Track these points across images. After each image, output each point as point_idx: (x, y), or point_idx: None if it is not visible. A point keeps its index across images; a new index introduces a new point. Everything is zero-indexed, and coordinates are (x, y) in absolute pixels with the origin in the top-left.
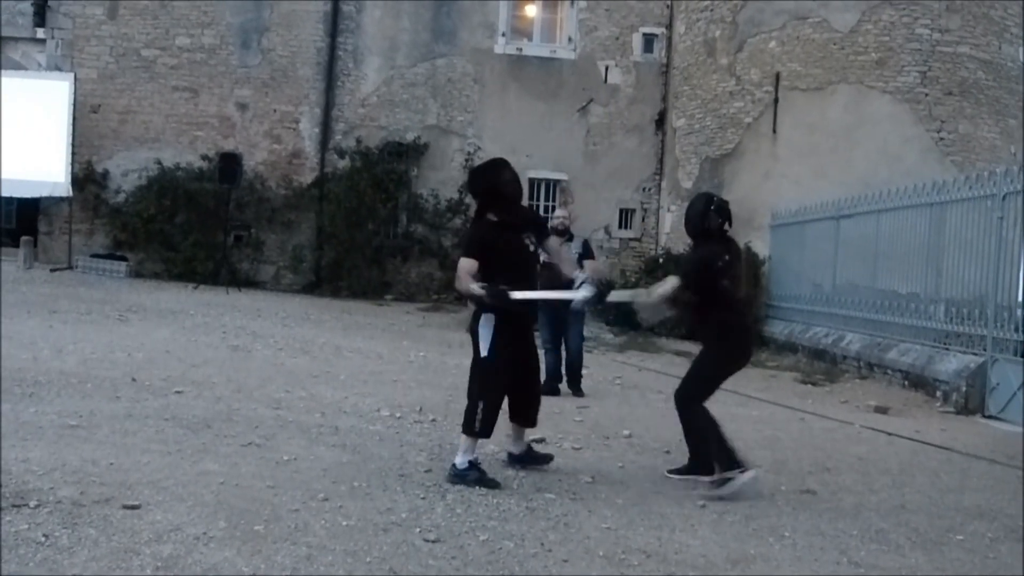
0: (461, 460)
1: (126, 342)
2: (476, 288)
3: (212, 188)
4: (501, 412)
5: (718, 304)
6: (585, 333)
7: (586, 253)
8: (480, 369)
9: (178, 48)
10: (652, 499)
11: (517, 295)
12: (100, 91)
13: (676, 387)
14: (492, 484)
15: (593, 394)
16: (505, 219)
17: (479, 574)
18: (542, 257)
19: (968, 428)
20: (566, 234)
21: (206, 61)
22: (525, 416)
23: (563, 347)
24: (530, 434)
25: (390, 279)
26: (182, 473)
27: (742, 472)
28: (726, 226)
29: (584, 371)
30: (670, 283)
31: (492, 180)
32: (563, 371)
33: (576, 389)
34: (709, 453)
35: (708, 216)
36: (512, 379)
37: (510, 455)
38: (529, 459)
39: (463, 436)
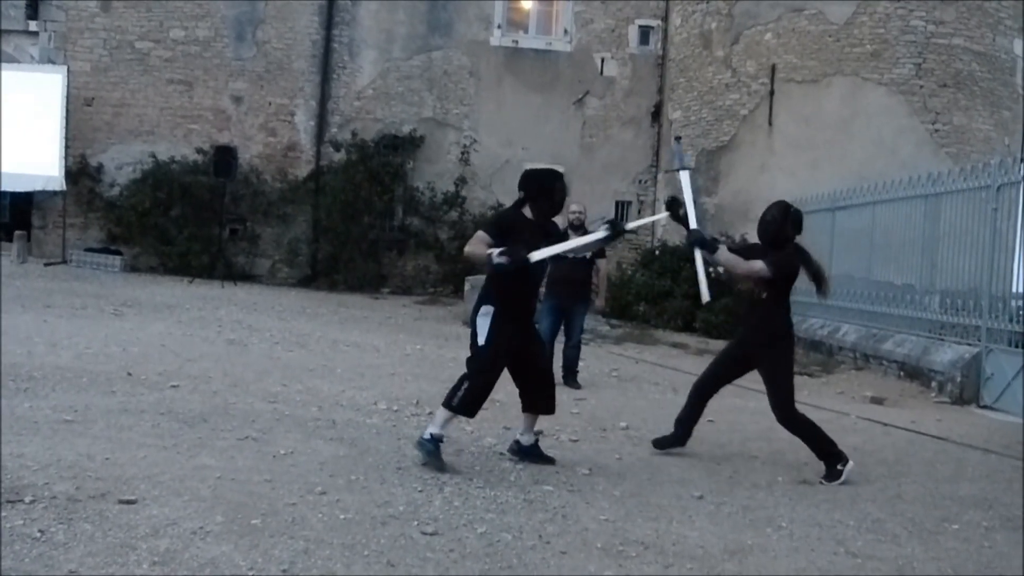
0: (427, 430)
1: (121, 336)
2: (493, 252)
3: (207, 181)
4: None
5: (783, 308)
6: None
7: (599, 251)
8: (475, 354)
9: (172, 41)
10: (649, 491)
11: (536, 255)
12: (94, 84)
13: (774, 409)
14: (438, 467)
15: (590, 386)
16: (536, 222)
17: (477, 567)
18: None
19: (963, 418)
20: (581, 229)
21: (200, 54)
22: (539, 404)
23: (566, 339)
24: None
25: (386, 272)
26: (178, 467)
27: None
28: (798, 236)
29: (580, 363)
30: (755, 264)
31: (548, 186)
32: (553, 364)
33: (572, 382)
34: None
35: (785, 225)
36: (520, 370)
37: (518, 444)
38: (534, 454)
39: (440, 408)
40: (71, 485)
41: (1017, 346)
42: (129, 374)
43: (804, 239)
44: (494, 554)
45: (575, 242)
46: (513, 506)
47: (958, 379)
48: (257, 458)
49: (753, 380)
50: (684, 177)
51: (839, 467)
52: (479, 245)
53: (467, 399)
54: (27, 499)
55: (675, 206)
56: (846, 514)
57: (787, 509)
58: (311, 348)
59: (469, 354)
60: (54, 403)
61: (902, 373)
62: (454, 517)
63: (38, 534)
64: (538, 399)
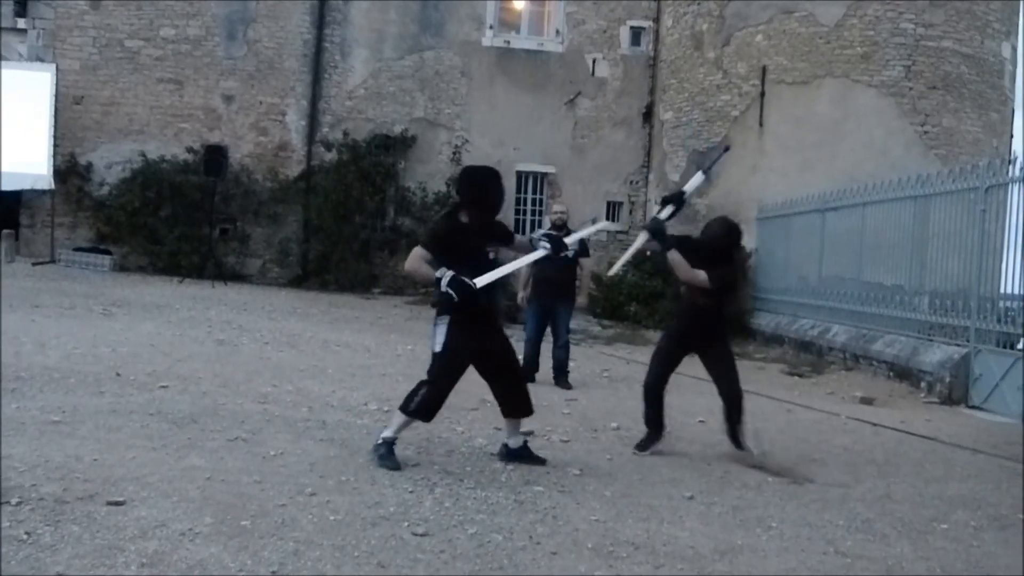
0: (382, 434)
1: (110, 337)
2: (443, 277)
3: (197, 181)
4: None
5: (721, 316)
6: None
7: (582, 251)
8: (433, 361)
9: (162, 39)
10: (640, 491)
11: (480, 281)
12: (83, 82)
13: (730, 388)
14: (391, 466)
15: (581, 387)
16: (475, 226)
17: (468, 567)
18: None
19: (952, 418)
20: (564, 229)
21: (191, 52)
22: (516, 406)
23: (554, 340)
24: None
25: (377, 272)
26: (167, 469)
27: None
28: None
29: (571, 364)
30: (699, 273)
31: (482, 187)
32: (539, 363)
33: (563, 383)
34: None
35: (725, 241)
36: (487, 373)
37: (506, 448)
38: (524, 456)
39: (397, 412)
40: (59, 487)
41: (1005, 347)
42: (118, 374)
43: (795, 241)
44: (485, 555)
45: (515, 264)
46: (504, 507)
47: (947, 379)
48: (247, 459)
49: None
50: (697, 179)
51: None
52: (420, 264)
53: (424, 404)
54: (14, 501)
55: (664, 203)
56: (836, 514)
57: (777, 509)
58: (302, 348)
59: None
60: (42, 404)
61: (891, 373)
62: (445, 518)
63: (25, 536)
64: (510, 401)
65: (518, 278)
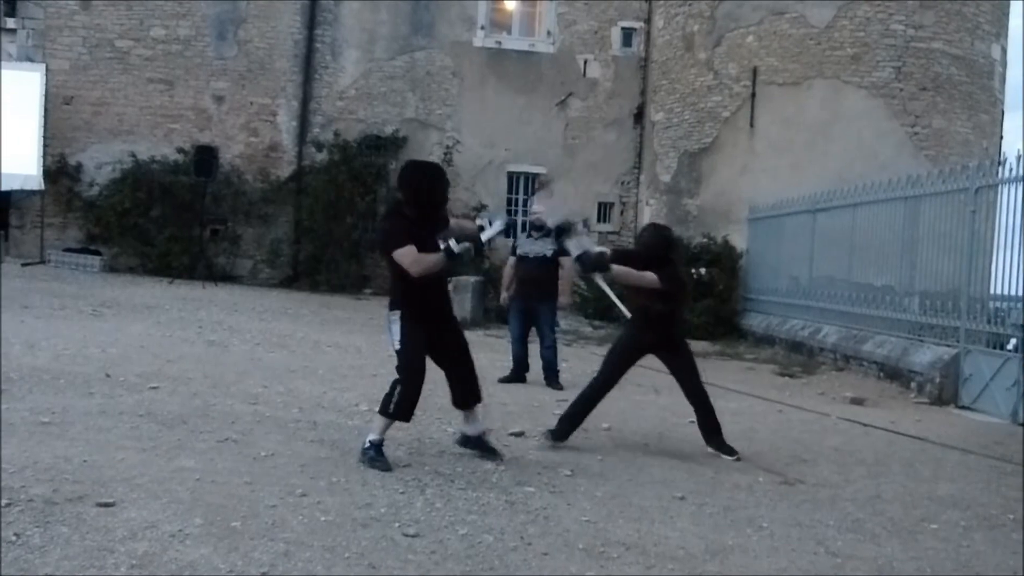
0: (368, 438)
1: (100, 337)
2: (450, 244)
3: (188, 181)
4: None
5: (678, 319)
6: (564, 326)
7: (562, 250)
8: (397, 358)
9: (153, 39)
10: (631, 492)
11: (457, 248)
12: (73, 82)
13: (694, 388)
14: (383, 467)
15: (572, 387)
16: (420, 221)
17: (459, 568)
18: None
19: (942, 419)
20: (543, 229)
21: (182, 53)
22: (465, 395)
23: (540, 341)
24: (511, 427)
25: (369, 273)
26: (157, 470)
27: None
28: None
29: (563, 364)
30: (647, 276)
31: (427, 182)
32: (528, 363)
33: (554, 383)
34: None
35: (658, 246)
36: (440, 363)
37: (463, 435)
38: (480, 444)
39: (377, 416)
40: (48, 488)
41: (995, 347)
42: (108, 375)
43: (786, 241)
44: (476, 556)
45: (489, 232)
46: (495, 508)
47: (937, 380)
48: (237, 460)
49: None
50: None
51: (727, 446)
52: (423, 258)
53: (401, 403)
54: (3, 502)
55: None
56: (826, 514)
57: (768, 509)
58: (292, 349)
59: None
60: (31, 405)
61: (882, 374)
62: (436, 519)
63: (14, 538)
64: (458, 391)
65: (501, 279)
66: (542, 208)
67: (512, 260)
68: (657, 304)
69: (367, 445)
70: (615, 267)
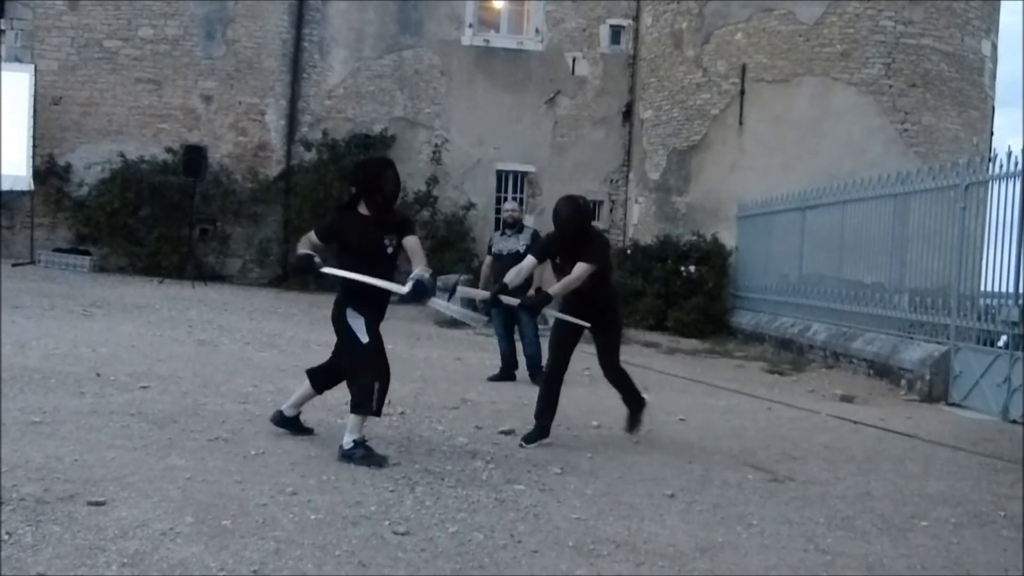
0: (348, 440)
1: (90, 337)
2: (301, 252)
3: (177, 181)
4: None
5: (610, 292)
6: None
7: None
8: (365, 354)
9: (141, 39)
10: (621, 489)
11: (328, 270)
12: (61, 83)
13: (607, 366)
14: (379, 462)
15: (562, 386)
16: (374, 215)
17: (449, 566)
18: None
19: (932, 416)
20: (516, 226)
21: (170, 52)
22: (325, 386)
23: (522, 339)
24: (500, 426)
25: None
26: (148, 469)
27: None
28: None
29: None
30: (579, 270)
31: (375, 177)
32: (517, 360)
33: (538, 379)
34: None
35: (578, 218)
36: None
37: (279, 413)
38: (294, 426)
39: (352, 416)
40: (39, 487)
41: (985, 344)
42: (98, 375)
43: (775, 239)
44: (465, 553)
45: (377, 282)
46: (485, 505)
47: (927, 377)
48: (227, 459)
49: (725, 378)
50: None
51: (641, 418)
52: (303, 243)
53: (377, 398)
54: None
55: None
56: (816, 511)
57: (757, 507)
58: (282, 348)
59: (346, 350)
60: (22, 404)
61: (872, 371)
62: (426, 517)
63: (6, 536)
64: (330, 381)
65: (484, 276)
66: (514, 206)
67: (489, 259)
68: (589, 283)
69: (351, 446)
70: (554, 289)
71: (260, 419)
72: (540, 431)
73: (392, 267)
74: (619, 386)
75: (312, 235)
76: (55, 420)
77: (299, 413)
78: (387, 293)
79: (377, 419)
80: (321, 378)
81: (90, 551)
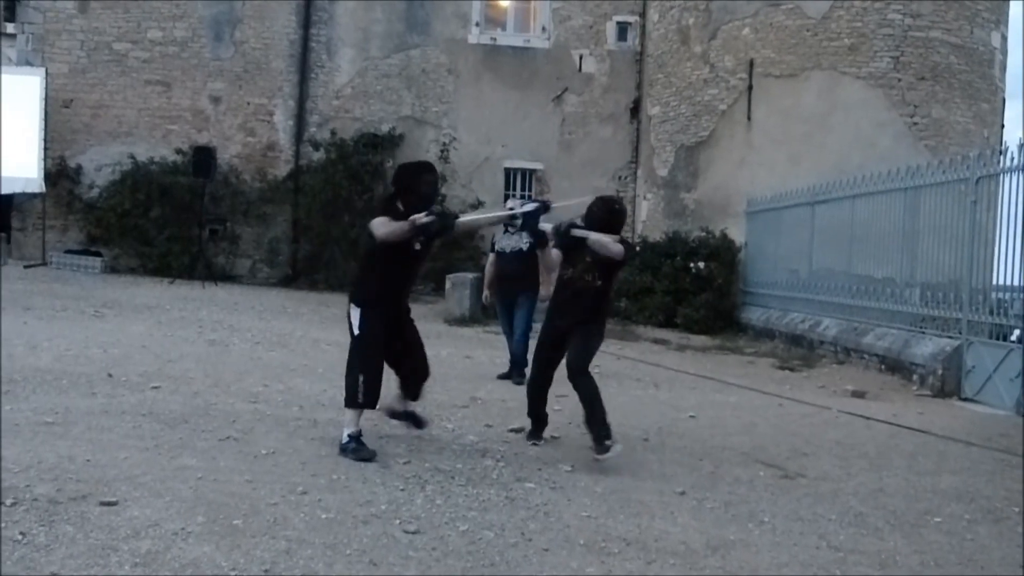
0: (343, 434)
1: (102, 338)
2: (416, 217)
3: (186, 182)
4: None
5: (610, 291)
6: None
7: (540, 241)
8: (357, 346)
9: (150, 41)
10: (631, 487)
11: (465, 219)
12: (71, 86)
13: (571, 363)
14: (367, 456)
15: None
16: (409, 213)
17: (459, 565)
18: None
19: (944, 411)
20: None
21: (178, 54)
22: (410, 390)
23: (514, 333)
24: (510, 423)
25: None
26: (159, 469)
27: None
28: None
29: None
30: (614, 244)
31: (413, 179)
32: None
33: (518, 375)
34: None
35: (611, 220)
36: (392, 358)
37: (391, 410)
38: (408, 417)
39: (347, 410)
40: (52, 487)
41: (998, 338)
42: (110, 375)
43: (785, 234)
44: (476, 552)
45: (492, 215)
46: (495, 504)
47: (939, 372)
48: (238, 458)
49: (735, 375)
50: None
51: (607, 442)
52: (390, 223)
53: (367, 391)
54: (8, 502)
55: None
56: (828, 508)
57: (769, 504)
58: (292, 348)
59: (350, 344)
60: (35, 405)
61: (883, 366)
62: (436, 515)
63: (19, 536)
64: (407, 385)
65: (488, 274)
66: (518, 203)
67: (492, 256)
68: (596, 279)
69: (346, 440)
70: (594, 233)
71: (270, 419)
72: (537, 431)
73: (419, 264)
74: (584, 395)
75: (385, 217)
76: (67, 421)
77: (410, 408)
78: (402, 288)
79: (390, 418)
80: (401, 384)
81: (102, 551)
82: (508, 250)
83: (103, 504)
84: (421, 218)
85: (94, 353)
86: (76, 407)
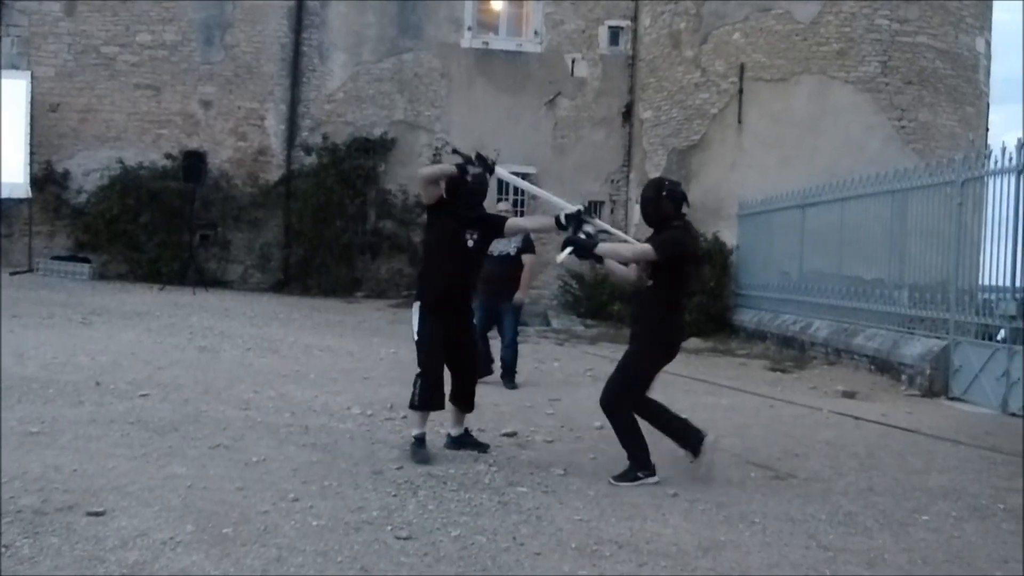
0: (412, 432)
1: (90, 345)
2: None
3: (177, 187)
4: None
5: (668, 298)
6: (556, 325)
7: (526, 247)
8: (417, 349)
9: (139, 45)
10: (623, 490)
11: (502, 173)
12: (59, 89)
13: (604, 391)
14: (420, 459)
15: (564, 386)
16: (459, 213)
17: (451, 570)
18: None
19: (933, 410)
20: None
21: (168, 58)
22: (459, 400)
23: (501, 339)
24: (503, 428)
25: (360, 276)
26: (148, 477)
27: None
28: (683, 210)
29: (555, 364)
30: (638, 248)
31: (460, 178)
32: (489, 364)
33: (509, 382)
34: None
35: (662, 203)
36: (449, 364)
37: (449, 437)
38: (467, 442)
39: (410, 412)
40: (37, 498)
41: (985, 338)
42: (98, 383)
43: (776, 236)
44: (468, 557)
45: (543, 192)
46: (487, 508)
47: (927, 372)
48: (229, 466)
49: (727, 377)
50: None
51: (639, 474)
52: (433, 166)
53: (423, 394)
54: None
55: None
56: (818, 508)
57: (760, 504)
58: (284, 354)
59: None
60: (20, 415)
61: (873, 367)
62: (428, 521)
63: (3, 549)
64: (458, 394)
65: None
66: (506, 207)
67: None
68: (647, 278)
69: (412, 440)
70: (603, 246)
71: (261, 425)
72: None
73: (474, 260)
74: (616, 428)
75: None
76: (54, 430)
77: (466, 430)
78: (464, 289)
79: (381, 423)
80: (452, 392)
81: (89, 562)
82: (496, 253)
83: (90, 514)
84: (469, 165)
85: (82, 361)
86: (63, 416)
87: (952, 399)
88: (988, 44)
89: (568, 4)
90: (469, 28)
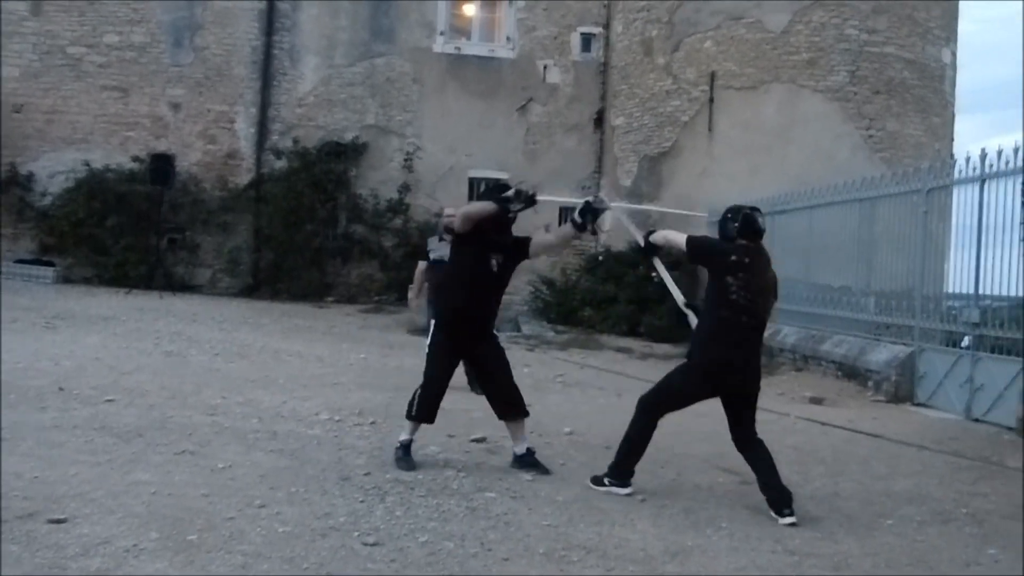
0: (399, 437)
1: (53, 350)
2: (507, 194)
3: (144, 190)
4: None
5: (711, 316)
6: (527, 331)
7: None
8: (426, 360)
9: (107, 46)
10: (592, 495)
11: (544, 197)
12: (23, 90)
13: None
14: (404, 467)
15: (535, 392)
16: (485, 236)
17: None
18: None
19: (898, 416)
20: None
21: (136, 59)
22: (504, 410)
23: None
24: (473, 434)
25: (330, 281)
26: (112, 484)
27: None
28: (750, 234)
29: (525, 369)
30: (683, 239)
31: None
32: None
33: (478, 387)
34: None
35: (726, 223)
36: (479, 377)
37: (514, 455)
38: (527, 462)
39: (406, 419)
40: None
41: (950, 345)
42: (61, 389)
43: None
44: (436, 563)
45: (561, 199)
46: (456, 514)
47: (893, 378)
48: (194, 472)
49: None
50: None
51: (610, 481)
52: (475, 204)
53: (420, 406)
54: None
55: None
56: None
57: (727, 509)
58: (252, 359)
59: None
60: None
61: (840, 373)
62: (396, 527)
63: None
64: (499, 404)
65: (417, 282)
66: (453, 211)
67: (423, 264)
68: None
69: (397, 445)
70: (658, 234)
71: (229, 431)
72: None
73: (498, 283)
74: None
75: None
76: (15, 436)
77: (529, 449)
78: (485, 312)
79: (350, 429)
80: (493, 407)
81: (50, 570)
82: (445, 259)
83: (51, 522)
84: (510, 195)
85: (45, 366)
86: (25, 422)
87: (917, 405)
88: (954, 55)
89: (541, 10)
90: (442, 33)
